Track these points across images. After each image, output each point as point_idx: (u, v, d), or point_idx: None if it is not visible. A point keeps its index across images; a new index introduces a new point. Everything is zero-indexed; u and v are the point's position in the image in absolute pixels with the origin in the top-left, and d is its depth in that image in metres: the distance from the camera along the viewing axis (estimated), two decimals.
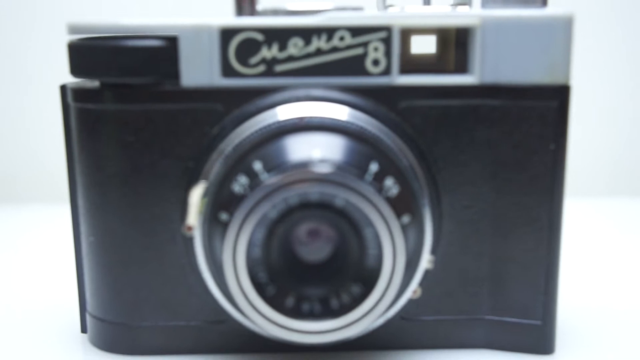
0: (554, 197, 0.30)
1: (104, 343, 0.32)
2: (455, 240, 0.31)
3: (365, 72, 0.29)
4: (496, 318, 0.32)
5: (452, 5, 0.31)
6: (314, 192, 0.25)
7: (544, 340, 0.31)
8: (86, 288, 0.33)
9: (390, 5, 0.31)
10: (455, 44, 0.32)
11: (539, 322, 0.31)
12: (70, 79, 0.32)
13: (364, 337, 0.31)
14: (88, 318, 0.33)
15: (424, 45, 0.34)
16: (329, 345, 0.31)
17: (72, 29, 0.30)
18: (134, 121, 0.30)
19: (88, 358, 0.32)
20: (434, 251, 0.30)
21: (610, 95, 0.64)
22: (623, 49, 0.64)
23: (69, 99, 0.31)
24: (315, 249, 0.27)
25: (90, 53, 0.29)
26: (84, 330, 0.34)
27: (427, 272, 0.30)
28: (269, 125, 0.28)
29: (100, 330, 0.32)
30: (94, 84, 0.31)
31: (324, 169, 0.25)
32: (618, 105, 0.64)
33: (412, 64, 0.32)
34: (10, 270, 0.45)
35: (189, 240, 0.30)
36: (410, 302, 0.31)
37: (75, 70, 0.31)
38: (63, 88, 0.31)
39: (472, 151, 0.30)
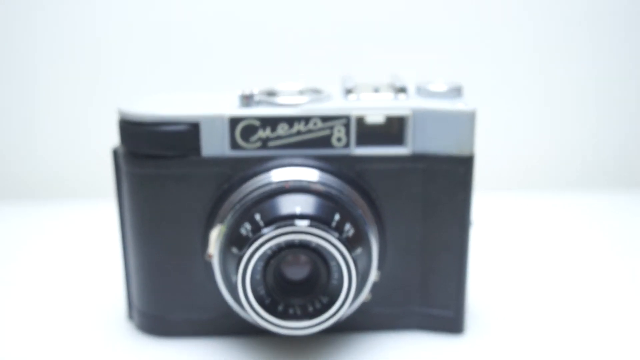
0: (462, 231, 0.43)
1: (146, 328, 0.45)
2: (396, 260, 0.44)
3: (331, 146, 0.42)
4: (423, 310, 0.45)
5: (394, 92, 0.43)
6: (297, 238, 0.38)
7: (456, 324, 0.45)
8: (132, 288, 0.46)
9: (350, 92, 0.43)
10: (397, 119, 0.44)
11: (452, 313, 0.45)
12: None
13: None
14: (134, 309, 0.46)
15: (376, 117, 0.46)
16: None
17: (121, 114, 0.42)
18: (168, 180, 0.42)
19: (134, 338, 0.45)
20: (380, 268, 0.43)
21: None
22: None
23: (120, 161, 0.43)
24: (296, 273, 0.40)
25: (135, 134, 0.41)
26: (131, 317, 0.47)
27: (375, 283, 0.43)
28: (265, 187, 0.40)
29: (143, 319, 0.45)
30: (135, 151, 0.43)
31: (303, 224, 0.38)
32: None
33: (366, 132, 0.44)
34: (67, 261, 0.57)
35: (208, 263, 0.43)
36: (363, 302, 0.44)
37: (124, 142, 0.42)
38: (115, 152, 0.43)
39: (406, 200, 0.43)
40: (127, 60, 0.73)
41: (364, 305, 0.44)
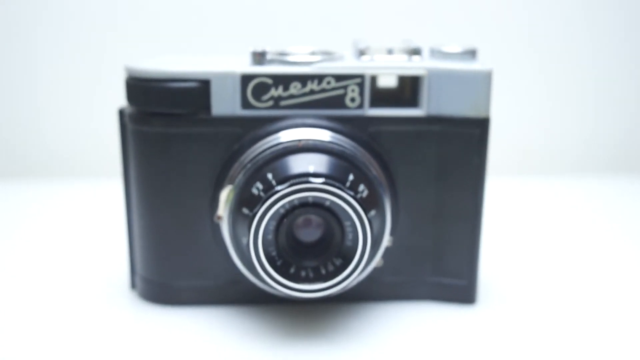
0: (477, 195, 0.42)
1: (150, 296, 0.44)
2: (408, 225, 0.43)
3: (345, 106, 0.41)
4: (436, 279, 0.44)
5: (407, 54, 0.42)
6: (311, 196, 0.37)
7: (468, 294, 0.44)
8: (136, 256, 0.44)
9: (363, 54, 0.42)
10: (410, 81, 0.44)
11: (465, 282, 0.44)
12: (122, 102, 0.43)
13: (342, 292, 0.43)
14: (137, 278, 0.45)
15: (389, 80, 0.45)
16: (317, 299, 0.43)
17: (129, 71, 0.41)
18: (176, 140, 0.41)
19: (138, 308, 0.44)
20: (393, 233, 0.42)
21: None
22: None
23: (126, 121, 0.42)
24: (309, 234, 0.39)
25: (144, 91, 0.40)
26: (133, 286, 0.46)
27: (387, 248, 0.42)
28: (277, 146, 0.39)
29: (147, 287, 0.44)
30: (143, 110, 0.42)
31: (318, 181, 0.37)
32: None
33: (379, 96, 0.43)
34: (70, 236, 0.56)
35: (216, 225, 0.42)
36: (375, 268, 0.43)
37: (131, 100, 0.41)
38: (121, 112, 0.42)
39: (420, 163, 0.42)
40: (135, 24, 0.71)
41: (375, 274, 0.43)
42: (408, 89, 0.44)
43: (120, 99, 0.45)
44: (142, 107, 0.41)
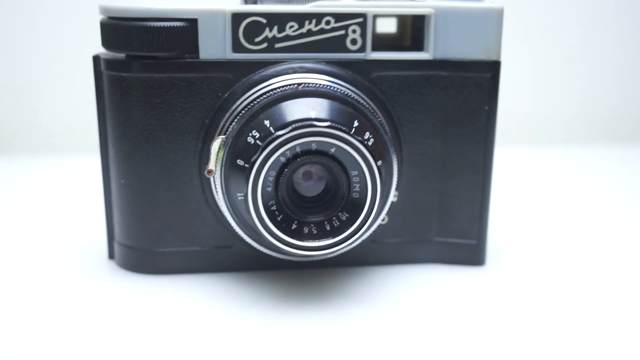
0: (487, 146, 0.39)
1: (131, 265, 0.40)
2: (412, 179, 0.40)
3: (345, 49, 0.37)
4: (442, 239, 0.41)
5: None
6: (314, 141, 0.33)
7: (477, 255, 0.41)
8: (115, 222, 0.40)
9: None
10: (411, 26, 0.41)
11: (475, 242, 0.41)
12: (95, 50, 0.39)
13: (343, 256, 0.39)
14: (116, 246, 0.40)
15: (387, 25, 0.42)
16: (315, 263, 0.40)
17: (105, 11, 0.37)
18: (159, 86, 0.37)
19: (118, 278, 0.40)
20: (397, 188, 0.38)
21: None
22: None
23: (102, 67, 0.37)
24: (312, 187, 0.36)
25: (123, 31, 0.36)
26: (111, 256, 0.41)
27: (392, 204, 0.39)
28: (274, 91, 0.36)
29: (128, 255, 0.40)
30: (121, 55, 0.37)
31: (322, 125, 0.33)
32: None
33: (380, 41, 0.40)
34: (44, 210, 0.51)
35: (206, 182, 0.38)
36: (378, 227, 0.39)
37: (107, 44, 0.37)
38: (96, 58, 0.38)
39: (426, 111, 0.39)
40: None
41: (377, 235, 0.40)
42: (408, 35, 0.41)
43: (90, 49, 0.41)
44: (120, 51, 0.37)
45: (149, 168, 0.38)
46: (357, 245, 0.39)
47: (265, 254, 0.38)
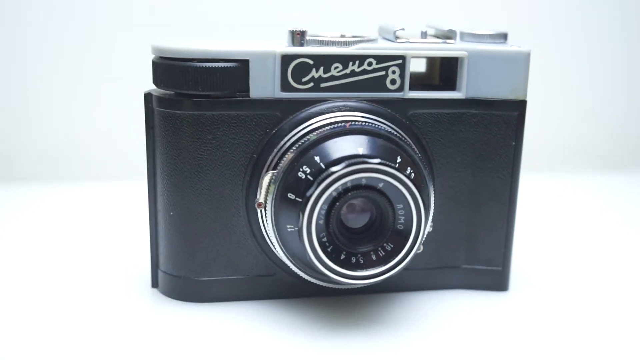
0: (512, 179, 0.42)
1: (175, 294, 0.41)
2: (442, 211, 0.42)
3: (385, 89, 0.40)
4: (469, 266, 0.43)
5: (440, 38, 0.42)
6: (365, 177, 0.36)
7: (502, 281, 0.44)
8: (160, 251, 0.41)
9: (398, 37, 0.41)
10: (440, 65, 0.43)
11: (500, 268, 0.43)
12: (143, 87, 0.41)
13: (376, 284, 0.41)
14: (160, 275, 0.42)
15: (417, 66, 0.45)
16: (350, 290, 0.42)
17: (157, 51, 0.39)
18: (210, 123, 0.38)
19: (162, 306, 0.41)
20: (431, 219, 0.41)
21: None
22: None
23: (154, 104, 0.39)
24: (358, 219, 0.38)
25: (176, 71, 0.38)
26: (154, 285, 0.43)
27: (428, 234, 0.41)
28: (322, 128, 0.38)
29: (172, 283, 0.41)
30: (172, 92, 0.39)
31: (374, 162, 0.35)
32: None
33: (414, 80, 0.42)
34: (89, 237, 0.52)
35: (251, 214, 0.39)
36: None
37: (159, 82, 0.39)
38: (148, 95, 0.39)
39: (457, 146, 0.41)
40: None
41: (411, 263, 0.42)
42: (437, 74, 0.44)
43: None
44: (171, 89, 0.38)
45: (198, 200, 0.39)
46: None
47: (304, 281, 0.40)
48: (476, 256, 0.43)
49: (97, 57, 0.68)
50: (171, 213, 0.40)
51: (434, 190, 0.41)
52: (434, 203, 0.41)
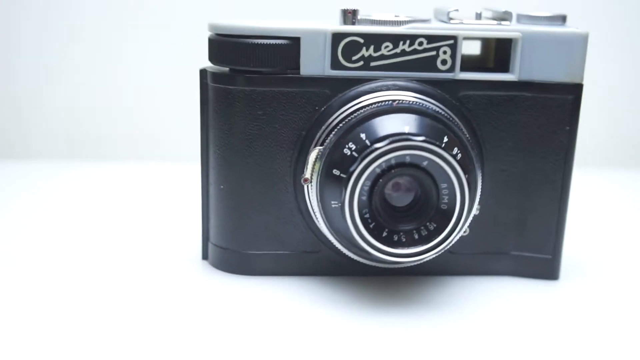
0: (566, 165, 0.41)
1: (224, 266, 0.42)
2: (492, 194, 0.41)
3: (436, 69, 0.39)
4: (519, 253, 0.43)
5: (496, 20, 0.41)
6: (409, 155, 0.36)
7: (552, 269, 0.43)
8: (211, 224, 0.43)
9: (452, 18, 0.41)
10: (495, 48, 0.43)
11: (550, 256, 0.42)
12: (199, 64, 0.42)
13: (423, 265, 0.41)
14: (210, 247, 0.43)
15: (471, 48, 0.44)
16: (396, 271, 0.42)
17: (213, 28, 0.40)
18: (262, 99, 0.39)
19: (211, 277, 0.42)
20: (479, 202, 0.40)
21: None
22: None
23: (208, 80, 0.40)
24: (402, 197, 0.38)
25: (230, 47, 0.39)
26: (205, 257, 0.44)
27: (474, 217, 0.41)
28: (370, 106, 0.38)
29: (222, 256, 0.42)
30: (226, 69, 0.40)
31: (418, 139, 0.35)
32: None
33: (466, 62, 0.42)
34: (144, 211, 0.55)
35: (299, 189, 0.40)
36: (458, 239, 0.41)
37: (214, 59, 0.40)
38: (203, 71, 0.41)
39: (508, 129, 0.41)
40: None
41: (456, 246, 0.42)
42: (492, 56, 0.43)
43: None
44: (226, 65, 0.39)
45: (248, 175, 0.40)
46: (437, 256, 0.41)
47: (349, 260, 0.40)
48: (526, 243, 0.42)
49: (154, 35, 0.70)
50: (222, 186, 0.41)
51: (483, 173, 0.41)
52: (483, 186, 0.41)
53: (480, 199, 0.41)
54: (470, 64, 0.43)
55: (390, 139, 0.36)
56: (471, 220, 0.40)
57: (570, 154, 0.41)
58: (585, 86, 0.40)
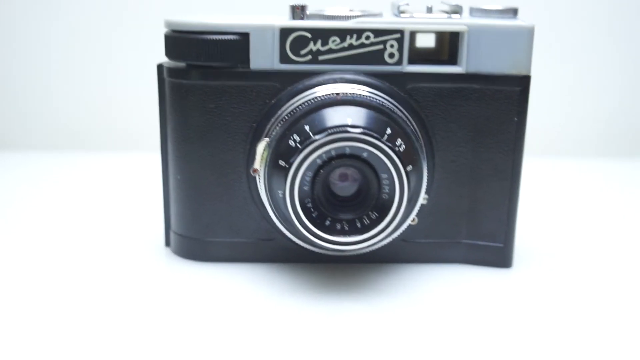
0: (515, 155, 0.41)
1: (184, 253, 0.44)
2: (443, 185, 0.42)
3: (383, 62, 0.40)
4: (471, 242, 0.43)
5: (448, 13, 0.42)
6: (348, 146, 0.37)
7: (504, 257, 0.43)
8: (171, 213, 0.44)
9: (403, 12, 0.41)
10: (449, 41, 0.44)
11: (501, 245, 0.43)
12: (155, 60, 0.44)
13: (376, 253, 0.42)
14: (172, 235, 0.45)
15: (427, 40, 0.45)
16: (350, 258, 0.43)
17: (169, 25, 0.41)
18: (214, 93, 0.41)
19: (172, 264, 0.44)
20: (428, 192, 0.41)
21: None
22: None
23: (165, 75, 0.42)
24: (346, 188, 0.39)
25: (184, 43, 0.40)
26: (167, 244, 0.46)
27: (422, 207, 0.41)
28: (315, 99, 0.39)
29: (181, 243, 0.44)
30: (182, 64, 0.42)
31: (356, 131, 0.36)
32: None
33: (417, 55, 0.43)
34: (111, 201, 0.57)
35: (253, 180, 0.42)
36: (408, 228, 0.42)
37: (170, 54, 0.41)
38: (160, 67, 0.42)
39: (458, 121, 0.41)
40: None
41: (409, 234, 0.43)
42: (446, 49, 0.44)
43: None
44: (181, 60, 0.41)
45: (202, 166, 0.42)
46: (390, 244, 0.42)
47: (303, 247, 0.42)
48: (478, 231, 0.43)
49: (115, 32, 0.73)
50: (178, 177, 0.43)
51: (433, 164, 0.42)
52: (434, 176, 0.42)
53: (431, 188, 0.42)
54: (424, 56, 0.44)
55: (329, 131, 0.37)
56: (422, 209, 0.41)
57: (519, 144, 0.41)
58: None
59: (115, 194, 0.59)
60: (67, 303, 0.39)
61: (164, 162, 0.44)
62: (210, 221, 0.43)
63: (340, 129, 0.37)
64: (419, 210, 0.41)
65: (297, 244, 0.42)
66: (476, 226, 0.43)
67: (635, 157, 0.75)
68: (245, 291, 0.41)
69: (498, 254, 0.43)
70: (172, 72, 0.41)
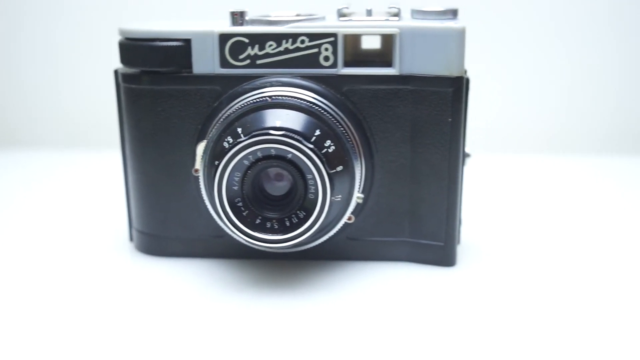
0: (451, 155, 0.42)
1: (143, 248, 0.47)
2: (384, 185, 0.43)
3: (319, 65, 0.42)
4: (414, 240, 0.44)
5: (387, 15, 0.43)
6: (272, 148, 0.38)
7: (447, 256, 0.44)
8: (132, 210, 0.47)
9: (343, 15, 0.42)
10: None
11: (442, 244, 0.44)
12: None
13: (322, 250, 0.43)
14: (133, 231, 0.48)
15: (373, 43, 0.46)
16: (296, 255, 0.44)
17: (122, 33, 0.44)
18: (161, 97, 0.43)
19: (133, 258, 0.47)
20: (364, 191, 0.42)
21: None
22: None
23: (120, 80, 0.45)
24: (282, 187, 0.40)
25: (134, 50, 0.43)
26: (131, 239, 0.49)
27: (363, 205, 0.42)
28: (248, 102, 0.41)
29: (141, 239, 0.47)
30: (135, 70, 0.44)
31: (277, 133, 0.38)
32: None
33: (361, 57, 0.44)
34: (79, 199, 0.60)
35: (198, 179, 0.44)
36: (354, 226, 0.43)
37: (123, 61, 0.44)
38: (115, 72, 0.45)
39: (394, 122, 0.42)
40: None
41: (353, 233, 0.44)
42: (390, 51, 0.44)
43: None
44: (132, 66, 0.43)
45: (154, 166, 0.44)
46: (337, 242, 0.44)
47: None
48: (420, 230, 0.44)
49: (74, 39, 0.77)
50: (134, 176, 0.45)
51: (372, 164, 0.43)
52: (375, 176, 0.43)
53: (371, 188, 0.43)
54: (368, 57, 0.44)
55: (253, 133, 0.38)
56: (365, 208, 0.43)
57: (455, 144, 0.42)
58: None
59: (90, 190, 0.62)
60: (28, 293, 0.42)
61: (124, 162, 0.46)
62: (165, 218, 0.45)
63: (264, 131, 0.38)
64: (360, 209, 0.43)
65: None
66: (418, 225, 0.44)
67: (580, 153, 0.74)
68: (195, 286, 0.43)
69: (440, 253, 0.44)
70: (126, 77, 0.44)
